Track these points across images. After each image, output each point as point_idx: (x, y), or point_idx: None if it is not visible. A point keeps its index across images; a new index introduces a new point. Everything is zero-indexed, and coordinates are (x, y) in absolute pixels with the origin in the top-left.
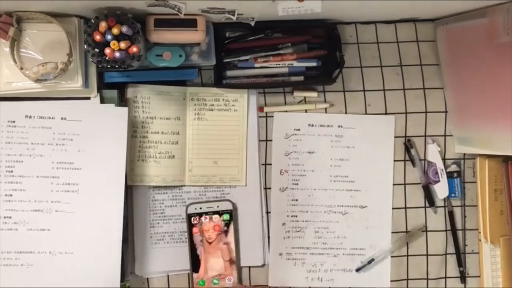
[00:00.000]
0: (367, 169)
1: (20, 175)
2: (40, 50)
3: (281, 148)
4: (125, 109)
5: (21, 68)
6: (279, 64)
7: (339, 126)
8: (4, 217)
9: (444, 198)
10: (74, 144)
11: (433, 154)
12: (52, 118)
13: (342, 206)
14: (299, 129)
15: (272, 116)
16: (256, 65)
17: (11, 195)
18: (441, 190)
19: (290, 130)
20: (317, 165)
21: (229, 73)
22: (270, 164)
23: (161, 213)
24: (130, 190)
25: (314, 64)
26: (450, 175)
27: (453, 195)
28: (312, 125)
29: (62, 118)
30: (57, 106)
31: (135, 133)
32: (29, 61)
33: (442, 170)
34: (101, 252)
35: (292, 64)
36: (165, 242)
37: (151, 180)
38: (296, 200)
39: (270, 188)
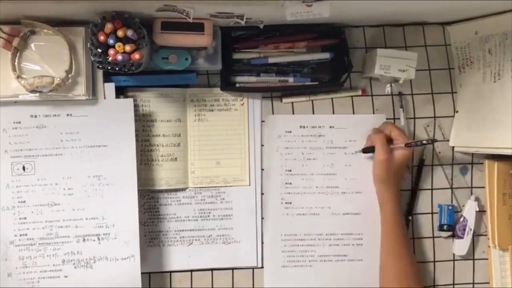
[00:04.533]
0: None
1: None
2: (45, 61)
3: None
4: None
5: (18, 77)
6: (289, 58)
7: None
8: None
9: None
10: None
11: (470, 211)
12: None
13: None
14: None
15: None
16: (266, 53)
17: (290, 202)
18: (460, 247)
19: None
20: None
21: (238, 78)
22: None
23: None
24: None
25: (327, 56)
26: None
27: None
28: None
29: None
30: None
31: (137, 136)
32: (31, 71)
33: (471, 229)
34: None
35: (304, 52)
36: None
37: (154, 184)
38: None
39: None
